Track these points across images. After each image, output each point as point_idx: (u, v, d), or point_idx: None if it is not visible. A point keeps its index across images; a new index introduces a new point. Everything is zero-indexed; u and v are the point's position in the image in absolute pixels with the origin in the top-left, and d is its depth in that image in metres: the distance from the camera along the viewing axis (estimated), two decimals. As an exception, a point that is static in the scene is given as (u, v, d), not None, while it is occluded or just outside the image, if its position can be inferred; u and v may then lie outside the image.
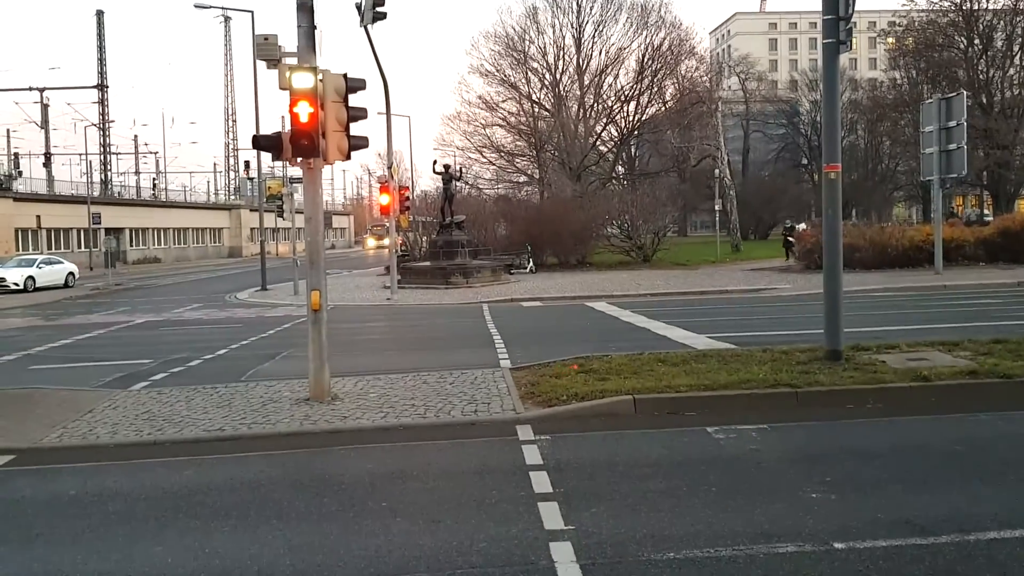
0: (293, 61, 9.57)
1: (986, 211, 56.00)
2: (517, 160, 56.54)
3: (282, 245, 65.70)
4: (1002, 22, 44.15)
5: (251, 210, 68.92)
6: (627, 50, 53.92)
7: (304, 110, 9.16)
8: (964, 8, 43.96)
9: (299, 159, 9.59)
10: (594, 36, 53.82)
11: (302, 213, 10.67)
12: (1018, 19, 43.33)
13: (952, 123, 25.23)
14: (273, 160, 12.23)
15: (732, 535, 5.19)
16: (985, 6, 43.99)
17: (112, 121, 73.01)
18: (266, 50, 9.86)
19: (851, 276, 21.34)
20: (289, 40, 9.91)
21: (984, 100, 43.95)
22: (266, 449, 7.94)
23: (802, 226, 37.15)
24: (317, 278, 9.77)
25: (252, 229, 77.96)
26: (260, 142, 11.00)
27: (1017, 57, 44.55)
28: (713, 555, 4.92)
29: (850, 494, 5.94)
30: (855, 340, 11.11)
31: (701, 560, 4.86)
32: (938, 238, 26.48)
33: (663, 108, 56.09)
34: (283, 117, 11.59)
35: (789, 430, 7.91)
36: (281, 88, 9.48)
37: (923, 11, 46.26)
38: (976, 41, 44.96)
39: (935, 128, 25.80)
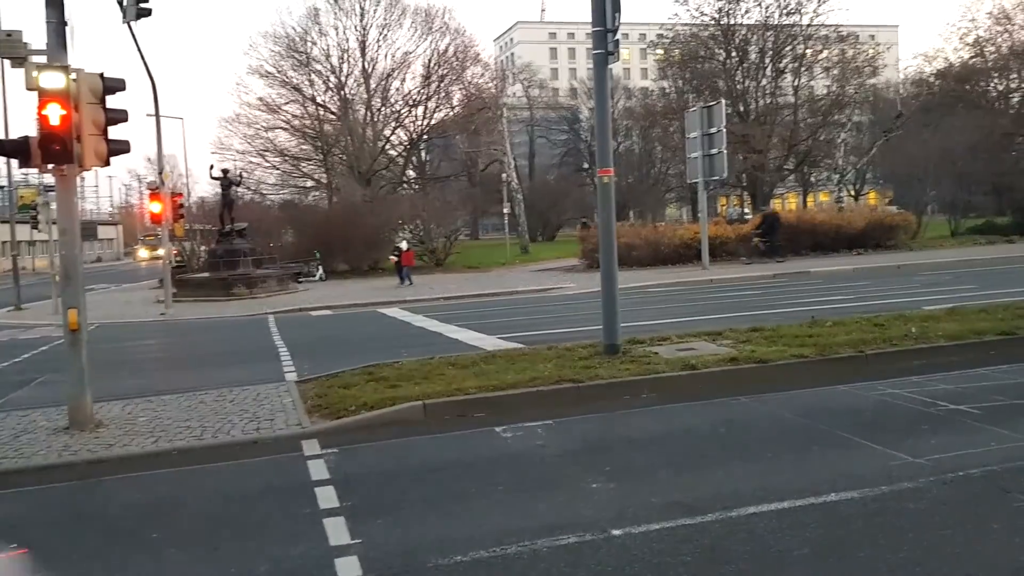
0: (43, 59, 8.73)
1: (746, 210, 61.09)
2: (303, 164, 54.94)
3: (40, 260, 59.97)
4: (755, 36, 48.21)
5: (2, 222, 62.44)
6: (413, 55, 53.96)
7: (55, 112, 8.38)
8: (722, 23, 47.66)
9: (51, 165, 8.76)
10: (379, 40, 53.34)
11: (58, 224, 9.76)
12: (768, 34, 47.44)
13: (713, 129, 27.32)
14: (21, 167, 11.03)
15: (518, 532, 5.28)
16: (740, 21, 47.87)
17: None
18: (9, 47, 8.90)
19: (628, 273, 22.60)
20: (38, 37, 9.04)
21: (742, 108, 47.86)
22: (19, 486, 7.16)
23: (404, 245, 31.52)
24: (74, 295, 8.93)
25: (3, 243, 70.58)
26: (5, 147, 10.00)
27: (768, 69, 48.78)
28: (499, 554, 4.97)
29: (627, 481, 6.24)
30: (631, 334, 11.72)
31: (487, 560, 4.90)
32: (704, 236, 28.56)
33: (451, 113, 56.67)
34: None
35: (572, 424, 8.19)
36: (28, 89, 8.61)
37: (687, 25, 49.63)
38: (733, 53, 48.87)
39: (698, 134, 27.87)
